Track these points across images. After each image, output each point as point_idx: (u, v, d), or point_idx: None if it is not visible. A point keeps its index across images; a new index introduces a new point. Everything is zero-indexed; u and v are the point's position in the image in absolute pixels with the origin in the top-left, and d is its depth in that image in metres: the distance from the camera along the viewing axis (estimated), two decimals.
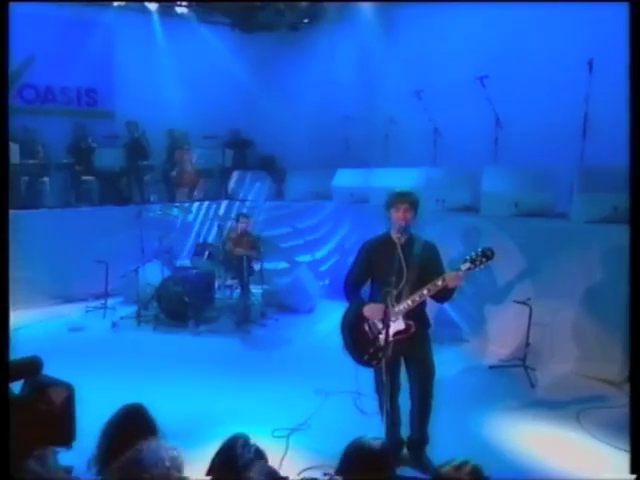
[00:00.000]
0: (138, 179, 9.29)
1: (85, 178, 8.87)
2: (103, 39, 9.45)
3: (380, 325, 3.45)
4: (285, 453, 3.81)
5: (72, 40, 9.11)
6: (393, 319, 3.43)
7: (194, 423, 4.21)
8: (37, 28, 8.56)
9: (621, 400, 4.69)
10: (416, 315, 3.47)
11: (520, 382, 5.08)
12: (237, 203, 9.26)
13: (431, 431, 3.85)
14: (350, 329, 3.65)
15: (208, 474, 2.01)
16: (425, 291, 3.36)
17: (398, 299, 3.44)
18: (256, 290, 7.71)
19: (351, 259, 3.82)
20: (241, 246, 7.32)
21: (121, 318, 7.20)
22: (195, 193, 9.76)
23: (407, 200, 3.50)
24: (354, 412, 4.40)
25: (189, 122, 9.57)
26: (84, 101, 9.60)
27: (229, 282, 7.58)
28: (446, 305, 6.49)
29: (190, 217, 8.92)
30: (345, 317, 3.71)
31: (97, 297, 7.74)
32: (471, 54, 7.17)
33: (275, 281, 8.03)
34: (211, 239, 8.72)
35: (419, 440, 3.71)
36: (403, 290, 3.42)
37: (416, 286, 3.40)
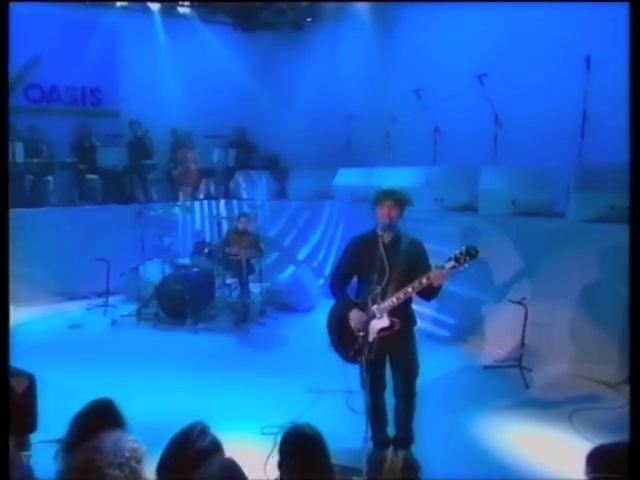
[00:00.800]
0: (141, 178, 9.37)
1: (89, 177, 8.96)
2: (107, 39, 9.55)
3: (366, 323, 3.46)
4: (272, 450, 3.84)
5: (77, 40, 9.22)
6: (378, 316, 3.45)
7: (184, 419, 4.24)
8: (42, 28, 8.69)
9: (616, 402, 4.66)
10: (401, 312, 3.48)
11: (515, 382, 5.06)
12: (239, 202, 9.33)
13: (420, 430, 3.85)
14: (335, 326, 3.68)
15: (161, 459, 2.03)
16: (410, 289, 3.37)
17: (383, 296, 3.46)
18: (256, 288, 7.75)
19: None
20: (241, 245, 7.35)
21: (122, 316, 7.27)
22: (198, 192, 9.83)
23: (392, 198, 3.51)
24: (345, 411, 4.41)
25: (192, 121, 9.62)
26: (89, 100, 9.72)
27: (229, 281, 7.63)
28: (444, 304, 6.51)
29: (191, 216, 8.99)
30: (331, 314, 3.74)
31: (99, 295, 7.81)
32: (470, 52, 7.16)
33: (275, 279, 8.07)
34: (211, 238, 8.78)
35: (404, 439, 3.71)
36: (388, 287, 3.44)
37: (402, 284, 3.42)
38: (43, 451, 2.43)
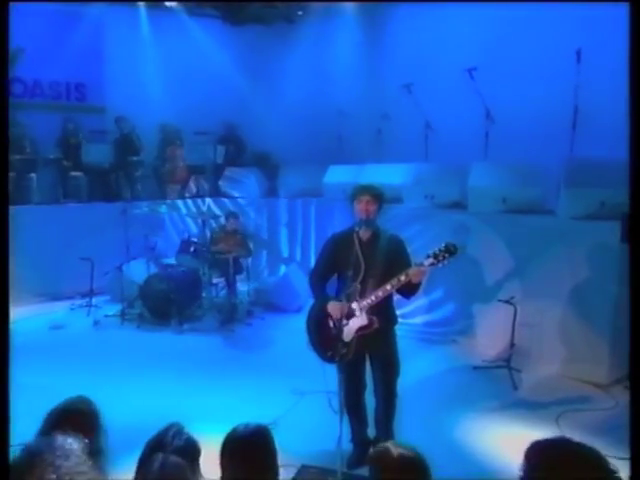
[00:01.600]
0: (128, 175, 9.36)
1: (73, 174, 8.95)
2: (92, 33, 9.51)
3: (344, 321, 3.48)
4: None
5: (61, 34, 9.18)
6: (357, 314, 3.47)
7: (165, 421, 4.24)
8: (24, 21, 8.65)
9: (606, 403, 4.67)
10: (381, 311, 3.49)
11: (503, 383, 5.07)
12: (228, 200, 9.32)
13: (403, 431, 3.86)
14: (314, 325, 3.69)
15: (138, 462, 2.04)
16: (388, 286, 3.38)
17: (362, 294, 3.47)
18: (243, 288, 7.75)
19: None
20: (229, 243, 7.36)
21: (105, 316, 7.28)
22: (186, 190, 9.82)
23: (369, 193, 3.52)
24: (328, 412, 4.41)
25: (180, 117, 9.60)
26: (73, 96, 9.68)
27: (215, 280, 7.63)
28: (433, 304, 6.54)
29: (178, 214, 8.98)
30: (310, 313, 3.76)
31: (84, 295, 7.80)
32: (461, 46, 7.18)
33: (264, 279, 8.06)
34: (198, 236, 8.78)
35: (384, 440, 3.70)
36: (367, 285, 3.45)
37: (381, 281, 3.43)
38: None
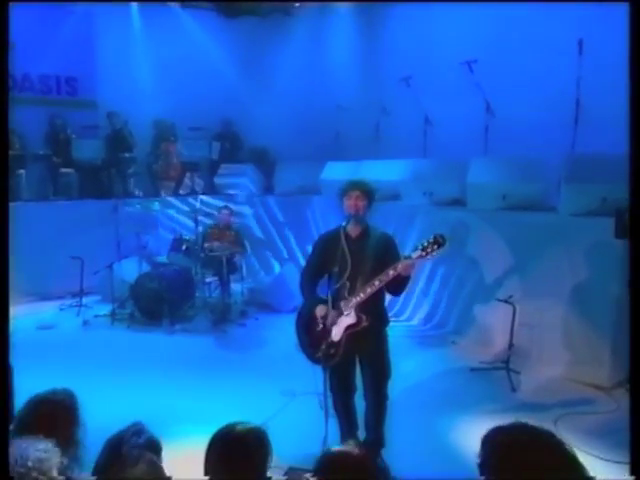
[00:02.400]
0: (120, 172, 9.35)
1: (63, 171, 8.95)
2: (83, 25, 9.50)
3: (332, 320, 3.50)
4: None
5: (51, 25, 9.16)
6: (345, 312, 3.47)
7: (153, 422, 4.23)
8: (13, 12, 8.63)
9: (607, 406, 4.63)
10: (370, 309, 3.48)
11: (501, 385, 5.04)
12: (223, 198, 9.30)
13: (396, 434, 3.85)
14: (303, 326, 3.70)
15: (96, 461, 2.03)
16: (377, 282, 3.37)
17: (351, 292, 3.47)
18: (237, 288, 7.74)
19: None
20: (223, 241, 7.36)
21: (95, 316, 7.28)
22: (180, 187, 9.81)
23: (359, 188, 3.52)
24: (318, 414, 4.40)
25: (173, 112, 9.59)
26: (64, 90, 9.66)
27: (208, 279, 7.62)
28: (431, 304, 6.52)
29: (172, 211, 8.97)
30: (299, 314, 3.77)
31: (74, 295, 7.81)
32: (460, 38, 7.16)
33: (258, 278, 8.05)
34: (191, 234, 8.76)
35: (374, 442, 3.70)
36: (357, 283, 3.44)
37: (370, 279, 3.42)
38: None
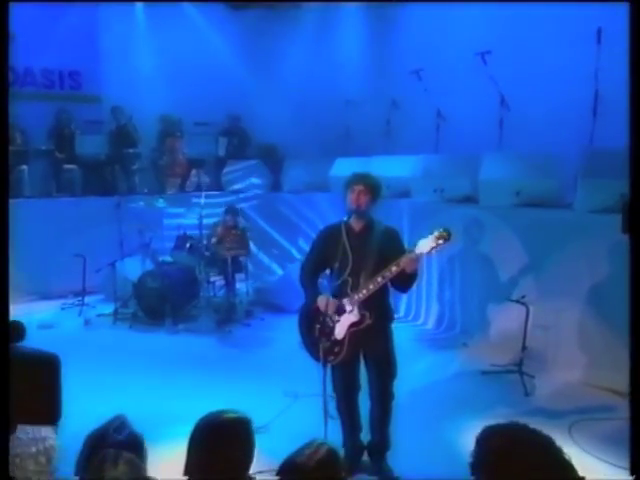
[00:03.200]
0: (125, 169, 9.39)
1: (67, 167, 9.00)
2: (87, 17, 9.52)
3: (335, 318, 3.47)
4: None
5: (54, 18, 9.17)
6: (349, 309, 3.44)
7: (153, 422, 4.24)
8: (15, 4, 8.70)
9: (626, 412, 4.54)
10: (374, 306, 3.45)
11: (514, 390, 4.97)
12: (229, 194, 9.31)
13: (404, 438, 3.83)
14: (305, 324, 3.67)
15: (78, 456, 2.02)
16: (380, 278, 3.34)
17: (354, 289, 3.44)
18: (242, 287, 7.74)
19: None
20: (228, 240, 7.36)
21: (97, 316, 7.30)
22: (186, 184, 9.82)
23: (362, 182, 3.49)
24: (322, 416, 4.38)
25: (179, 107, 9.59)
26: (67, 84, 9.70)
27: (213, 278, 7.63)
28: (443, 305, 6.47)
29: (176, 209, 8.97)
30: (301, 311, 3.74)
31: (77, 294, 7.84)
32: (473, 29, 7.09)
33: (265, 278, 8.05)
34: (195, 232, 8.77)
35: (379, 445, 3.68)
36: (360, 279, 3.42)
37: (374, 275, 3.39)
38: None
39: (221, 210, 8.26)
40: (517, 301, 5.11)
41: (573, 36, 6.08)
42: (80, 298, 7.69)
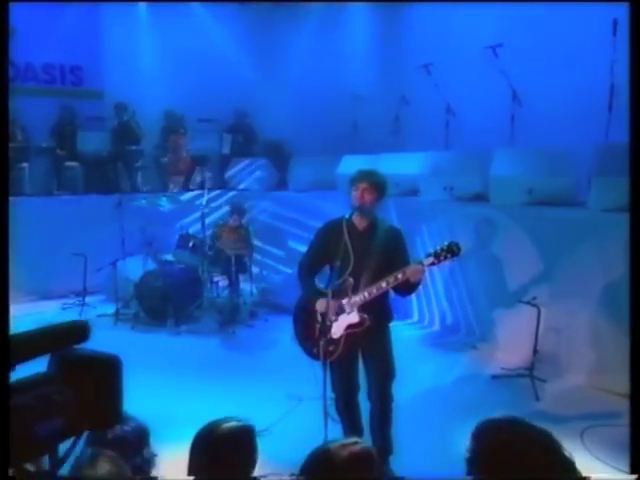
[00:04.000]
0: (127, 166, 9.44)
1: (68, 164, 9.06)
2: (89, 12, 9.57)
3: (333, 317, 3.49)
4: None
5: (55, 12, 9.23)
6: (347, 310, 3.46)
7: (155, 426, 4.26)
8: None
9: None
10: (374, 308, 3.46)
11: (525, 394, 4.95)
12: (234, 193, 9.34)
13: (409, 442, 3.83)
14: (300, 319, 3.71)
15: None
16: (384, 284, 3.36)
17: (355, 289, 3.45)
18: (247, 287, 7.76)
19: None
20: (232, 239, 7.38)
21: (98, 316, 7.34)
22: (190, 182, 9.86)
23: (367, 180, 3.49)
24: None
25: (183, 103, 9.64)
26: (69, 79, 9.77)
27: (217, 278, 7.65)
28: (452, 306, 6.45)
29: (179, 207, 9.01)
30: (296, 306, 3.78)
31: (78, 294, 7.89)
32: (484, 21, 7.07)
33: (269, 278, 8.06)
34: (199, 231, 8.79)
35: (381, 449, 3.66)
36: (361, 279, 3.43)
37: (376, 276, 3.41)
38: None
39: (225, 209, 8.32)
40: (528, 303, 5.08)
41: (588, 27, 6.04)
42: (81, 298, 7.75)
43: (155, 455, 2.35)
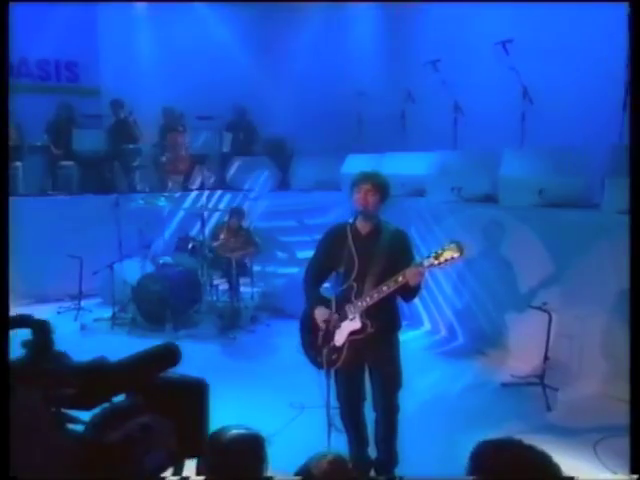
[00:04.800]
0: (124, 165, 9.44)
1: (63, 163, 9.07)
2: (85, 6, 9.55)
3: (335, 324, 3.50)
4: None
5: (50, 6, 9.22)
6: (350, 316, 3.46)
7: None
8: None
9: None
10: (378, 314, 3.46)
11: (535, 403, 4.94)
12: (234, 193, 9.33)
13: (414, 453, 3.82)
14: (305, 327, 3.72)
15: None
16: (384, 288, 3.35)
17: (359, 295, 3.46)
18: (247, 291, 7.76)
19: None
20: (233, 241, 7.38)
21: (95, 320, 7.35)
22: (189, 181, 9.86)
23: (370, 181, 3.49)
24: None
25: (183, 100, 9.64)
26: (64, 76, 9.78)
27: (217, 281, 7.65)
28: (461, 311, 6.44)
29: (178, 208, 9.00)
30: (302, 315, 3.79)
31: (74, 297, 7.89)
32: (494, 15, 7.05)
33: (271, 281, 8.06)
34: (198, 232, 8.79)
35: (386, 460, 3.69)
36: (365, 284, 3.43)
37: (381, 280, 3.41)
38: None
39: (225, 209, 8.31)
40: (539, 308, 5.07)
41: (601, 22, 6.02)
42: (76, 302, 7.74)
43: None
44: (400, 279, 3.30)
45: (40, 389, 1.23)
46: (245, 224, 7.88)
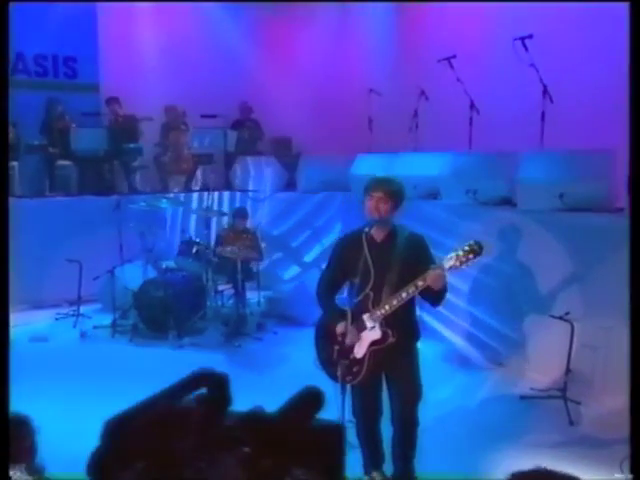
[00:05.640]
0: (125, 165, 9.47)
1: (61, 163, 9.10)
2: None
3: (355, 335, 3.50)
4: None
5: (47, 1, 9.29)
6: (369, 326, 3.46)
7: None
8: None
9: None
10: (398, 323, 3.47)
11: (557, 417, 4.92)
12: (239, 194, 9.35)
13: (430, 468, 3.82)
14: (322, 341, 3.73)
15: None
16: (404, 294, 3.37)
17: (376, 303, 3.47)
18: (254, 297, 7.77)
19: None
20: (238, 245, 7.38)
21: (94, 327, 7.36)
22: (192, 182, 9.88)
23: (382, 188, 3.50)
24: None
25: (185, 98, 9.68)
26: (62, 72, 9.83)
27: (221, 287, 7.66)
28: (478, 321, 6.43)
29: (181, 210, 9.02)
30: (317, 327, 3.81)
31: (72, 303, 7.91)
32: (512, 10, 7.04)
33: (278, 287, 8.06)
34: (202, 236, 8.80)
35: (402, 477, 3.67)
36: (382, 293, 3.44)
37: (399, 287, 3.42)
38: None
39: (230, 211, 8.32)
40: (561, 318, 5.05)
41: (625, 15, 5.98)
42: (75, 308, 7.74)
43: None
44: (420, 283, 3.32)
45: (234, 453, 1.18)
46: (251, 227, 7.88)
